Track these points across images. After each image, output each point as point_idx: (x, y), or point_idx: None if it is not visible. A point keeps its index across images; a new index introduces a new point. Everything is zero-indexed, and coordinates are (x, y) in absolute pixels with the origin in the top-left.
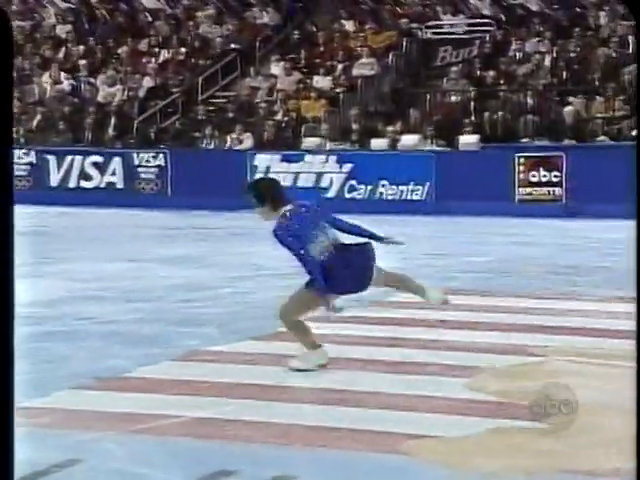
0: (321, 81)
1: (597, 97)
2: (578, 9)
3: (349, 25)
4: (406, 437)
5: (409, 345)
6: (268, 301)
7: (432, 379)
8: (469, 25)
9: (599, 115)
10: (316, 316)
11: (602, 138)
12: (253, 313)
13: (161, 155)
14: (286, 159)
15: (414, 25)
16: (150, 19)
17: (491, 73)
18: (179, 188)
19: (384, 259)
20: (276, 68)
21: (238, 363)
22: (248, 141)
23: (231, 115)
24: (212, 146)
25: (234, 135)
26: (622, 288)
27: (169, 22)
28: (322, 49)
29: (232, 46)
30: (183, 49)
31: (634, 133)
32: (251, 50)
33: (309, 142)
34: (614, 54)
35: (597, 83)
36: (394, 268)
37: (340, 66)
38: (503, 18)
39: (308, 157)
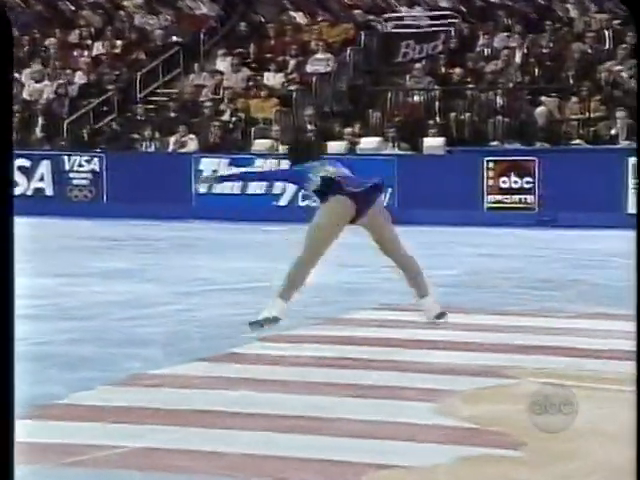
0: (272, 78)
1: (571, 97)
2: (542, 1)
3: (299, 17)
4: (369, 467)
5: (370, 366)
6: (217, 319)
7: (398, 404)
8: (432, 18)
9: (574, 116)
10: (268, 335)
11: (577, 141)
12: (201, 332)
13: (95, 159)
14: (234, 163)
15: (371, 17)
16: (73, 8)
17: (457, 70)
18: (116, 195)
19: (339, 273)
20: (222, 64)
21: (185, 387)
22: (192, 144)
23: (173, 115)
24: (152, 149)
25: (177, 137)
26: (600, 303)
27: (97, 11)
28: (273, 43)
29: (174, 39)
30: (119, 42)
31: (611, 133)
32: (195, 44)
33: (259, 145)
34: (590, 50)
35: (571, 81)
36: (351, 282)
37: (293, 62)
38: (464, 10)
39: (258, 161)
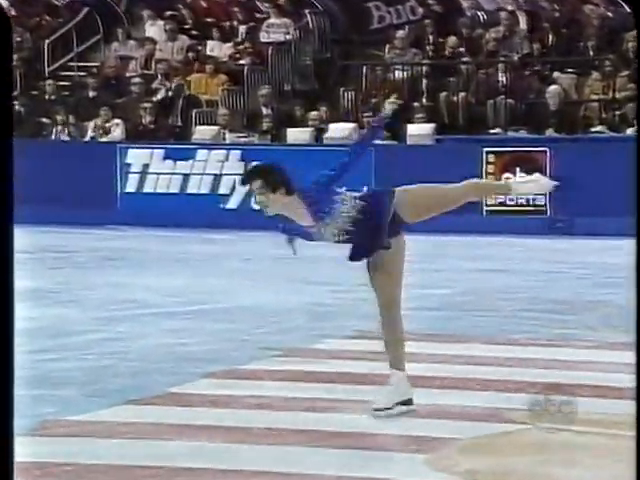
0: (218, 48)
1: (592, 72)
2: None
3: None
4: None
5: (349, 408)
6: (151, 350)
7: (382, 455)
8: None
9: (595, 97)
10: (216, 371)
11: (599, 128)
12: (131, 367)
13: None
14: (170, 156)
15: None
16: None
17: (449, 40)
18: (21, 195)
19: (303, 293)
20: (153, 29)
21: (112, 437)
22: (117, 130)
23: (93, 94)
24: (67, 137)
25: (98, 122)
26: (629, 330)
27: None
28: (214, 3)
29: None
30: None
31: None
32: (114, 3)
33: (202, 132)
34: (611, 14)
35: (592, 53)
36: (319, 304)
37: (242, 28)
38: None
39: (201, 153)
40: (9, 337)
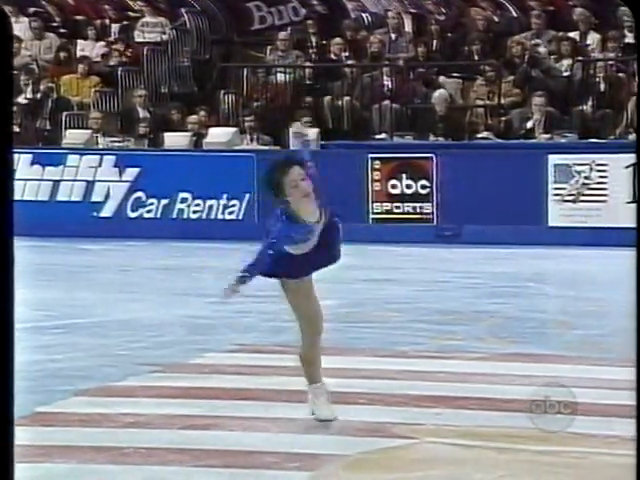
0: (89, 48)
1: (477, 77)
2: None
3: None
4: None
5: (225, 425)
6: (18, 367)
7: (264, 473)
8: None
9: (480, 102)
10: (89, 389)
11: (485, 134)
12: None
13: None
14: (39, 161)
15: None
16: None
17: (333, 42)
18: None
19: (182, 305)
20: (18, 27)
21: None
22: None
23: None
24: None
25: None
26: (516, 341)
27: None
28: (82, 0)
29: None
30: None
31: (527, 124)
32: None
33: (73, 137)
34: (496, 18)
35: (477, 58)
36: (199, 317)
37: (115, 27)
38: None
39: (72, 158)
40: (9, 337)
